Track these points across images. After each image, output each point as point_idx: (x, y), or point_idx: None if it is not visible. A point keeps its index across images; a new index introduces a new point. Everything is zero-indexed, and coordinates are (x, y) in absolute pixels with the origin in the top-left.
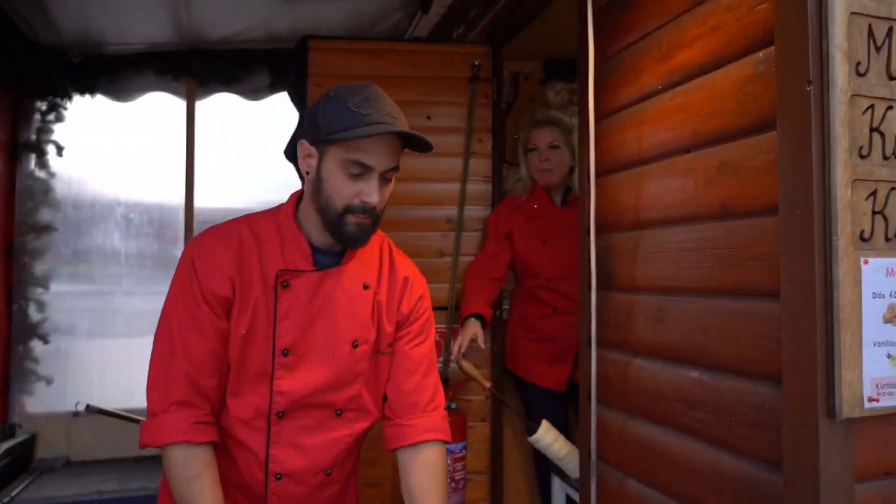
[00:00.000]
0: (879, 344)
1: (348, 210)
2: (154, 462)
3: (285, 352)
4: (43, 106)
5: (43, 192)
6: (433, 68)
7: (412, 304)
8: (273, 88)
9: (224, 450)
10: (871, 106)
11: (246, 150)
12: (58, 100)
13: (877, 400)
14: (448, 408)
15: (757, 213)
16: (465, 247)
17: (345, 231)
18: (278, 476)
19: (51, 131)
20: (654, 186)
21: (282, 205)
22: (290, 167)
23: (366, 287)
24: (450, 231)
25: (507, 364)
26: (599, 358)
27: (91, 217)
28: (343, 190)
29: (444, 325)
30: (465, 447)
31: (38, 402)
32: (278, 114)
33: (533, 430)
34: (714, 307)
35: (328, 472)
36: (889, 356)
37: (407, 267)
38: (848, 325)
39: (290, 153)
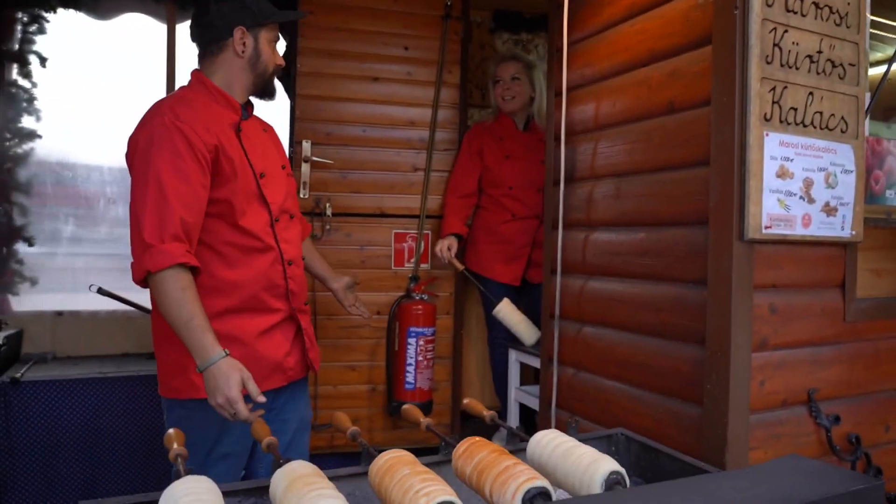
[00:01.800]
0: (773, 191)
1: (275, 72)
2: (137, 358)
3: (262, 175)
4: (25, 17)
5: (26, 100)
6: (413, 5)
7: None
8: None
9: (253, 261)
10: (774, 28)
11: None
12: (41, 12)
13: (770, 227)
14: (421, 299)
15: (696, 105)
16: (435, 164)
17: (271, 87)
18: (290, 262)
19: (33, 42)
20: (614, 96)
21: (191, 84)
22: None
23: (265, 130)
24: (422, 149)
25: (469, 264)
26: (562, 237)
27: (74, 127)
28: (272, 58)
29: (415, 231)
30: (434, 332)
31: (23, 301)
32: None
33: (494, 306)
34: (659, 179)
35: (303, 257)
36: (779, 200)
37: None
38: (754, 176)
39: (208, 38)
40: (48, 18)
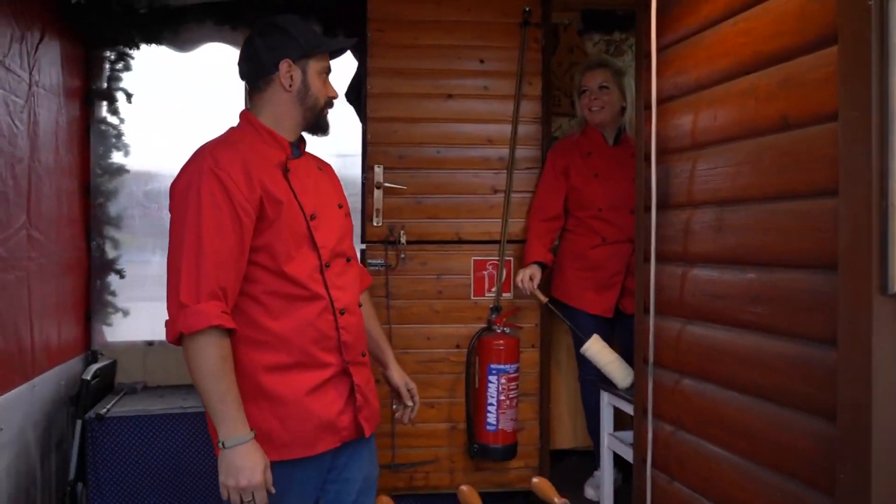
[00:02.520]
0: None
1: (327, 105)
2: None
3: (312, 216)
4: (112, 55)
5: (115, 136)
6: (486, 13)
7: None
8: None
9: (297, 311)
10: None
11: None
12: (126, 49)
13: None
14: (502, 332)
15: (817, 121)
16: (516, 184)
17: (324, 121)
18: (342, 312)
19: (120, 79)
20: (714, 108)
21: (239, 124)
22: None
23: (320, 168)
24: (502, 169)
25: (555, 293)
26: (656, 271)
27: (160, 159)
28: (323, 90)
29: (496, 258)
30: (517, 369)
31: (116, 332)
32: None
33: (583, 342)
34: (771, 210)
35: (360, 304)
36: None
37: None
38: None
39: (254, 74)
40: (133, 55)
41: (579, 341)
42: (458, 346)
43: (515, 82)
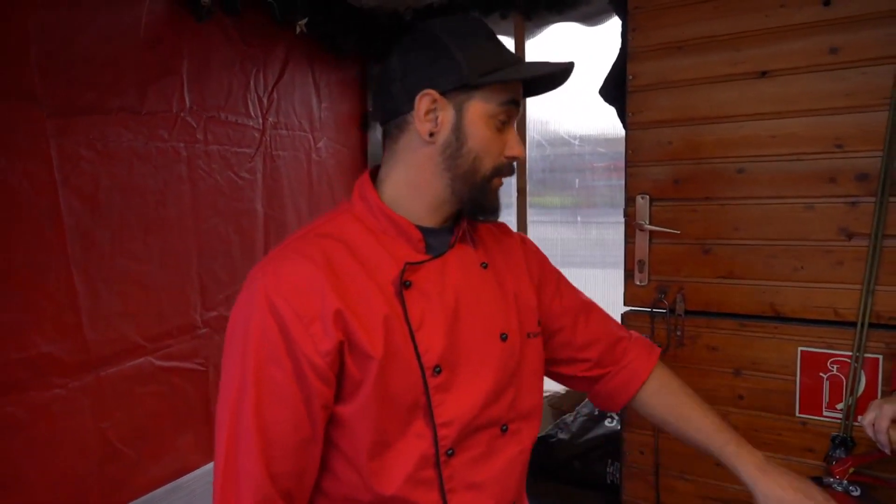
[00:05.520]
0: None
1: (497, 171)
2: None
3: (437, 369)
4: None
5: None
6: None
7: (536, 259)
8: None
9: None
10: None
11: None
12: None
13: None
14: (846, 493)
15: None
16: (894, 223)
17: (490, 199)
18: None
19: None
20: None
21: (350, 200)
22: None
23: (484, 266)
24: (864, 196)
25: None
26: None
27: None
28: (493, 145)
29: (847, 353)
30: None
31: None
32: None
33: None
34: None
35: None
36: None
37: (501, 226)
38: None
39: (383, 112)
40: None
41: None
42: None
43: None
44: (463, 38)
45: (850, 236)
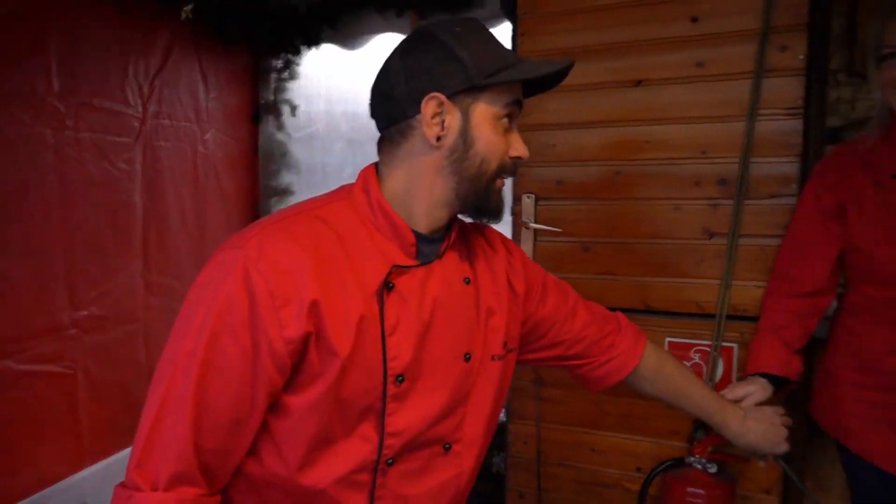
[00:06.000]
0: None
1: (501, 171)
2: None
3: (400, 378)
4: (279, 64)
5: (281, 154)
6: None
7: (524, 273)
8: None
9: None
10: None
11: None
12: (290, 56)
13: None
14: (704, 470)
15: None
16: (749, 224)
17: (493, 200)
18: None
19: (286, 90)
20: None
21: (351, 186)
22: None
23: (467, 281)
24: (724, 199)
25: (817, 415)
26: None
27: (324, 181)
28: (498, 147)
29: (708, 342)
30: None
31: None
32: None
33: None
34: None
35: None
36: None
37: (487, 233)
38: None
39: (385, 116)
40: (298, 62)
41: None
42: (639, 470)
43: (756, 49)
44: (465, 39)
45: (711, 235)
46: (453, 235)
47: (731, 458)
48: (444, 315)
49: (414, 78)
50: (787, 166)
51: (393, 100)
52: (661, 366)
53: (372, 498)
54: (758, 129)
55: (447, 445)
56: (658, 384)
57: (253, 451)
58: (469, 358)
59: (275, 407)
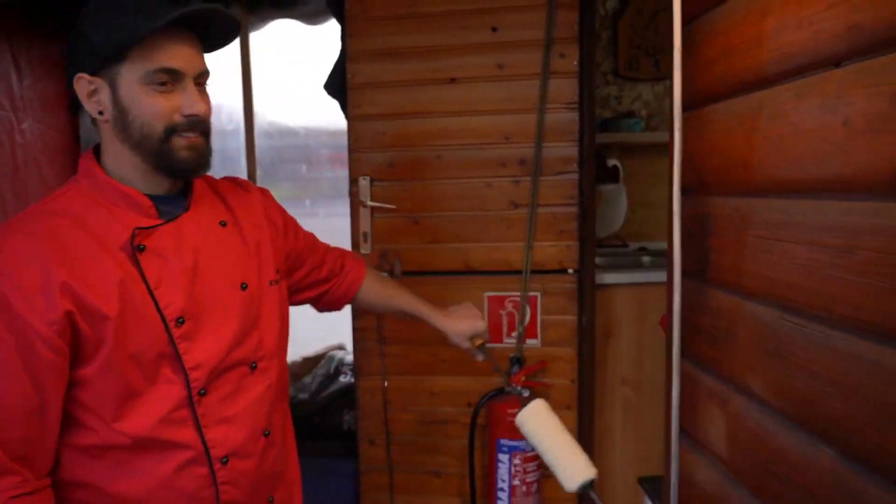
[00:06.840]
0: None
1: (173, 130)
2: None
3: (180, 320)
4: None
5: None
6: None
7: (278, 211)
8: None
9: (146, 467)
10: None
11: (311, 79)
12: None
13: None
14: (518, 395)
15: None
16: (543, 195)
17: (177, 158)
18: (224, 460)
19: None
20: (781, 124)
21: (77, 176)
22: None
23: (223, 224)
24: (524, 176)
25: None
26: (684, 375)
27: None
28: (159, 108)
29: (517, 294)
30: None
31: None
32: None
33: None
34: (865, 355)
35: (266, 432)
36: None
37: (239, 181)
38: None
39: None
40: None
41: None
42: (470, 405)
43: (542, 55)
44: (95, 16)
45: (515, 206)
46: (196, 188)
47: (539, 385)
48: (208, 257)
49: (70, 64)
50: (569, 149)
51: (70, 85)
52: (379, 278)
53: (199, 427)
54: (547, 119)
55: (253, 364)
56: (379, 293)
57: (71, 423)
58: (245, 287)
59: (73, 383)
